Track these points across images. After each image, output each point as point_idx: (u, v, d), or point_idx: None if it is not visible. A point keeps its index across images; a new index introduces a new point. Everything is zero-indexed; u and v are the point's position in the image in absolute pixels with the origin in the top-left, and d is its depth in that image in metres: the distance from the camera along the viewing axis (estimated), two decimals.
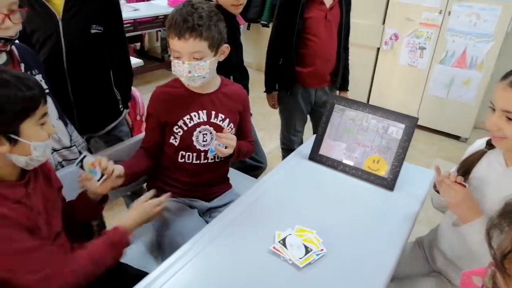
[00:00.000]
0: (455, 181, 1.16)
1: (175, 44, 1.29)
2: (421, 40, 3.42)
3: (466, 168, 1.25)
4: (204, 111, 1.44)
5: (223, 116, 1.47)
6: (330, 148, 1.55)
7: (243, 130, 1.58)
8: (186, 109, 1.43)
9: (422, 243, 1.49)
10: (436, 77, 3.48)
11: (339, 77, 2.28)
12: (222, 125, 1.47)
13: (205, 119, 1.45)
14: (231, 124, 1.49)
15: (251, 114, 1.70)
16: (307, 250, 1.15)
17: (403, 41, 3.51)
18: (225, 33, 1.38)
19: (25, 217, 0.99)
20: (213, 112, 1.45)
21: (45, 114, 0.98)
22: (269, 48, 2.20)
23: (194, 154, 1.47)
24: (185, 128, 1.44)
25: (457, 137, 3.62)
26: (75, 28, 1.53)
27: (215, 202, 1.59)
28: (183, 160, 1.48)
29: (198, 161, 1.48)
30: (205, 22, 1.27)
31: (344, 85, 2.38)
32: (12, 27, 1.17)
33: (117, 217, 2.23)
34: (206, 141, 1.46)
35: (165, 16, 4.26)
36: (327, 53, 2.17)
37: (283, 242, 1.18)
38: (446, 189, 1.17)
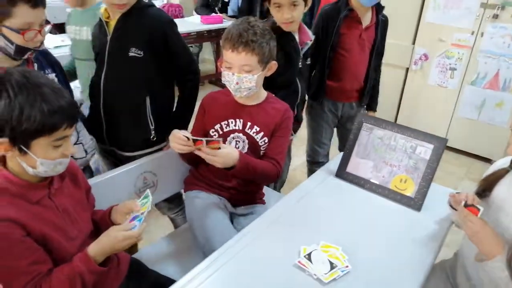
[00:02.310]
0: (469, 204, 1.15)
1: (228, 55, 1.40)
2: (452, 61, 3.39)
3: (487, 186, 1.23)
4: (241, 120, 1.53)
5: (258, 129, 1.53)
6: (357, 166, 1.56)
7: (270, 146, 1.57)
8: (225, 115, 1.54)
9: (445, 266, 1.46)
10: (466, 99, 3.43)
11: (366, 96, 2.33)
12: (256, 137, 1.53)
13: (240, 128, 1.53)
14: (265, 138, 1.54)
15: (292, 134, 1.70)
16: (332, 266, 1.16)
17: (433, 62, 3.49)
18: (275, 51, 1.48)
19: (46, 217, 1.03)
20: (249, 123, 1.53)
21: (64, 137, 0.99)
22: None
23: None
24: (221, 132, 1.54)
25: (488, 160, 3.53)
26: (117, 48, 1.61)
27: (240, 210, 1.64)
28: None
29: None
30: (258, 39, 1.38)
31: (371, 106, 2.43)
32: (40, 40, 1.29)
33: (158, 221, 2.31)
34: (238, 148, 1.51)
35: (198, 33, 4.40)
36: (356, 70, 2.24)
37: (309, 257, 1.19)
38: (463, 220, 1.16)
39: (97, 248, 1.06)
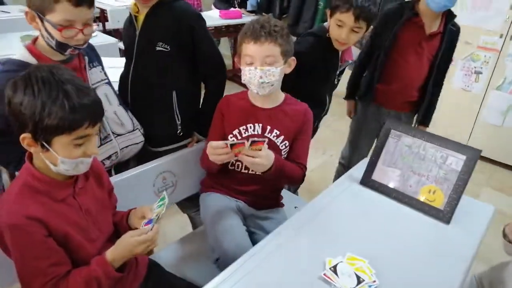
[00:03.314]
0: None
1: (250, 48, 1.36)
2: (478, 64, 3.30)
3: None
4: (260, 125, 1.49)
5: (278, 132, 1.49)
6: (384, 174, 1.51)
7: (294, 150, 1.55)
8: (244, 120, 1.50)
9: (482, 281, 1.41)
10: (491, 104, 3.33)
11: (421, 112, 2.20)
12: (276, 141, 1.49)
13: (260, 132, 1.49)
14: (286, 142, 1.50)
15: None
16: (359, 280, 1.12)
17: (458, 64, 3.39)
18: (293, 47, 1.44)
19: (69, 216, 1.03)
20: (269, 127, 1.49)
21: (86, 136, 0.98)
22: (359, 58, 2.24)
23: (244, 164, 1.51)
24: (239, 137, 1.50)
25: (510, 167, 3.44)
26: (144, 42, 1.61)
27: (259, 213, 1.60)
28: (233, 168, 1.54)
29: (246, 171, 1.53)
30: (279, 30, 1.37)
31: (424, 121, 2.28)
32: (83, 39, 1.26)
33: (172, 219, 2.30)
34: None
35: (216, 28, 4.36)
36: (409, 78, 2.12)
37: (334, 269, 1.15)
38: None
39: (115, 253, 1.06)
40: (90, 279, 1.02)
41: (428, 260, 1.24)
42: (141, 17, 1.60)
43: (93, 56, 1.42)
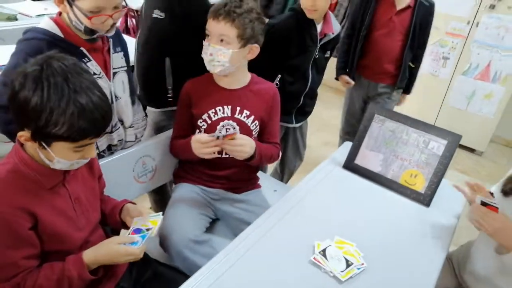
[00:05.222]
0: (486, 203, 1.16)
1: (209, 23, 1.37)
2: (446, 50, 3.39)
3: None
4: (229, 106, 1.47)
5: (248, 113, 1.48)
6: (367, 158, 1.53)
7: (269, 131, 1.56)
8: (211, 103, 1.47)
9: (451, 259, 1.48)
10: (457, 88, 3.45)
11: (401, 81, 2.38)
12: (247, 122, 1.48)
13: (229, 114, 1.48)
14: (256, 122, 1.50)
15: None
16: (348, 263, 1.14)
17: (427, 49, 3.43)
18: (260, 34, 1.42)
19: (57, 205, 0.99)
20: (238, 108, 1.47)
21: (88, 144, 0.95)
22: (343, 37, 2.39)
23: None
24: (209, 121, 1.48)
25: (472, 150, 3.61)
26: (145, 10, 1.64)
27: (238, 196, 1.59)
28: None
29: (219, 155, 1.50)
30: (242, 13, 1.34)
31: (405, 89, 2.49)
32: (111, 24, 1.20)
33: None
34: None
35: None
36: (384, 52, 2.29)
37: (323, 253, 1.16)
38: (482, 218, 1.16)
39: (94, 256, 1.01)
40: (63, 278, 0.97)
41: (411, 241, 1.29)
42: None
43: (117, 41, 1.36)
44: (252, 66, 1.79)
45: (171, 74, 1.67)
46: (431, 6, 2.23)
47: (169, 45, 1.63)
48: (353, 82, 2.45)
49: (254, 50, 1.43)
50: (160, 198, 1.97)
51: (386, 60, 2.30)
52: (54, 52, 0.92)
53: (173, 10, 1.59)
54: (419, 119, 1.49)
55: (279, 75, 1.82)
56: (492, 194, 1.28)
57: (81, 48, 1.19)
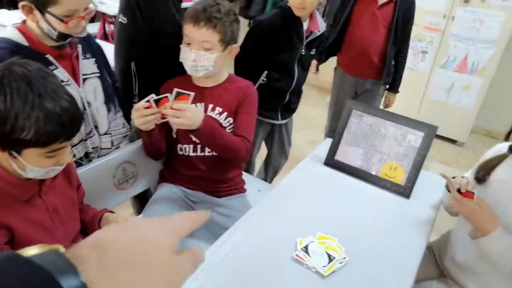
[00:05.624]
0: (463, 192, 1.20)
1: (189, 29, 1.35)
2: (424, 44, 3.44)
3: (486, 170, 1.27)
4: (202, 104, 1.47)
5: (220, 110, 1.47)
6: (347, 153, 1.54)
7: (237, 123, 1.49)
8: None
9: (432, 248, 1.51)
10: (436, 81, 3.51)
11: (387, 76, 2.38)
12: (219, 118, 1.48)
13: (202, 111, 1.45)
14: (229, 119, 1.49)
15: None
16: (330, 258, 1.15)
17: None
18: (238, 34, 1.43)
19: (33, 217, 0.97)
20: (211, 105, 1.47)
21: (60, 149, 0.92)
22: (327, 29, 2.41)
23: (191, 146, 1.50)
24: None
25: (453, 141, 3.67)
26: (117, 13, 1.62)
27: (219, 201, 1.58)
28: (182, 153, 1.53)
29: (195, 153, 1.51)
30: (222, 17, 1.34)
31: (392, 87, 2.50)
32: (84, 26, 1.21)
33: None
34: None
35: None
36: (367, 47, 2.31)
37: (306, 249, 1.17)
38: (458, 203, 1.20)
39: None
40: None
41: (392, 233, 1.30)
42: None
43: (87, 47, 1.35)
44: (239, 62, 1.79)
45: (136, 78, 1.66)
46: (412, 0, 2.27)
47: (133, 49, 1.62)
48: (314, 70, 2.50)
49: (234, 50, 1.44)
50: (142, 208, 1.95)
51: (371, 54, 2.33)
52: (16, 58, 0.91)
53: (135, 15, 1.57)
54: (401, 113, 1.51)
55: (266, 72, 1.84)
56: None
57: (47, 56, 1.18)
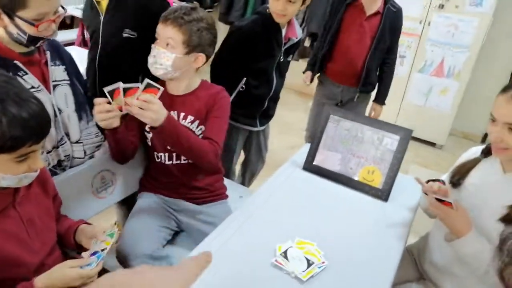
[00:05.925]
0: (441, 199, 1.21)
1: (158, 27, 1.39)
2: (402, 49, 3.51)
3: (461, 175, 1.30)
4: (175, 112, 1.46)
5: (192, 118, 1.47)
6: (325, 158, 1.56)
7: (206, 128, 1.47)
8: None
9: (412, 250, 1.53)
10: (415, 85, 3.58)
11: (361, 84, 2.38)
12: (191, 127, 1.47)
13: None
14: (201, 127, 1.48)
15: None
16: (309, 263, 1.15)
17: None
18: (208, 46, 1.43)
19: (7, 229, 0.94)
20: (182, 114, 1.47)
21: (29, 152, 0.90)
22: (318, 39, 2.49)
23: (166, 154, 1.50)
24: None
25: (432, 144, 3.74)
26: (110, 29, 1.60)
27: (203, 208, 1.57)
28: (159, 160, 1.53)
29: (170, 162, 1.50)
30: (190, 20, 1.35)
31: (377, 98, 2.49)
32: (54, 29, 1.20)
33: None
34: None
35: None
36: (353, 57, 2.33)
37: (285, 255, 1.17)
38: (434, 208, 1.21)
39: (47, 282, 0.95)
40: None
41: (370, 236, 1.32)
42: (104, 3, 1.57)
43: (56, 55, 1.33)
44: (216, 67, 1.78)
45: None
46: (398, 11, 2.30)
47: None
48: (308, 83, 2.51)
49: (199, 59, 1.42)
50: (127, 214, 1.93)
51: (357, 64, 2.33)
52: None
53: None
54: (381, 117, 1.54)
55: (244, 78, 1.84)
56: (443, 182, 1.32)
57: (15, 62, 1.16)
